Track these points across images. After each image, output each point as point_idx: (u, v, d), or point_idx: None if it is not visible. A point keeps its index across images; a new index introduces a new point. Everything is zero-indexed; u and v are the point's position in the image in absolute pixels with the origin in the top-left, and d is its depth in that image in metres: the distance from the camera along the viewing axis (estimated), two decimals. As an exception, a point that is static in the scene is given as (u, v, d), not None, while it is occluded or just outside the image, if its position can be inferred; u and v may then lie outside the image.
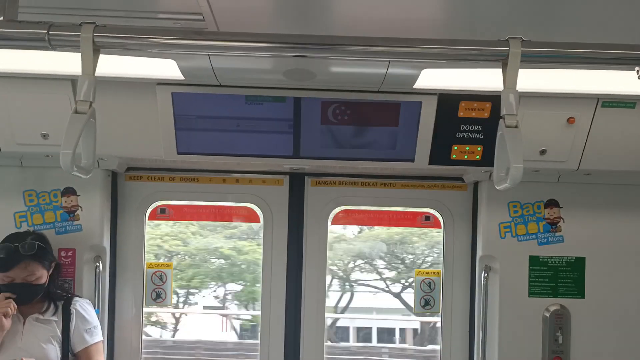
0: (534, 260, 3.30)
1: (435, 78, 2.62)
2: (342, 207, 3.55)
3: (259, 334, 3.49)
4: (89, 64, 1.42)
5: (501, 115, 1.54)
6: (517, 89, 1.56)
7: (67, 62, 2.46)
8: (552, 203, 3.31)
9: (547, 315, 3.27)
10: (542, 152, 2.94)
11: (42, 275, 2.86)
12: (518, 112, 1.53)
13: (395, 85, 2.73)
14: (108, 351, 3.33)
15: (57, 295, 2.98)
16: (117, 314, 3.40)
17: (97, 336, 2.99)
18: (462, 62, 1.88)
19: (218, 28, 1.98)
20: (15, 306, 2.79)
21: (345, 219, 3.68)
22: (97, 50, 1.42)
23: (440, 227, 3.53)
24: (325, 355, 3.49)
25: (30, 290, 2.84)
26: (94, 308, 3.12)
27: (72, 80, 2.73)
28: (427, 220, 3.59)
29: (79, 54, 1.46)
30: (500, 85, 1.59)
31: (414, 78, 2.60)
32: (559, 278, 3.30)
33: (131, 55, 2.30)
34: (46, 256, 2.90)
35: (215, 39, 1.50)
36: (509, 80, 1.52)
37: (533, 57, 1.53)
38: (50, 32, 1.42)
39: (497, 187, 1.63)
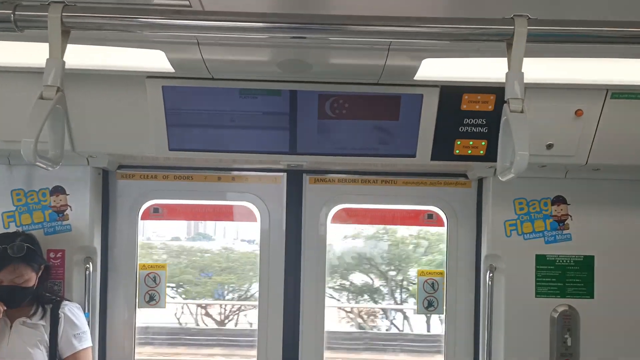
0: (540, 259, 3.19)
1: (437, 69, 2.52)
2: (341, 205, 3.45)
3: (257, 337, 3.38)
4: (57, 46, 1.31)
5: (505, 99, 1.43)
6: (523, 72, 1.44)
7: None
8: (559, 200, 3.20)
9: (555, 316, 3.17)
10: (549, 146, 2.83)
11: (31, 278, 2.79)
12: (524, 97, 1.42)
13: (395, 76, 2.63)
14: (99, 356, 3.24)
15: (45, 298, 2.90)
16: (109, 317, 3.29)
17: (86, 342, 2.90)
18: (465, 44, 1.77)
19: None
20: (3, 309, 2.71)
21: (345, 217, 3.57)
22: (66, 31, 1.31)
23: (444, 226, 3.42)
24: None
25: (19, 293, 2.76)
26: (84, 311, 3.03)
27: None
28: (430, 219, 3.49)
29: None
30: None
31: (415, 69, 2.50)
32: (567, 277, 3.20)
33: (111, 44, 2.18)
34: (35, 258, 2.82)
35: (200, 19, 1.38)
36: (514, 61, 1.41)
37: (540, 37, 1.41)
38: (16, 13, 1.32)
39: (500, 178, 1.53)
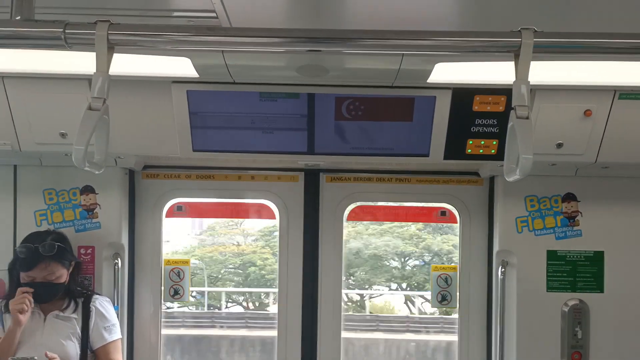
0: (551, 255, 3.27)
1: (449, 72, 2.60)
2: (357, 203, 3.55)
3: (276, 334, 3.50)
4: (104, 61, 1.44)
5: (512, 106, 1.54)
6: (529, 80, 1.55)
7: (84, 62, 2.48)
8: (569, 197, 3.28)
9: (566, 310, 3.24)
10: (559, 145, 2.90)
11: (62, 275, 2.92)
12: (530, 104, 1.53)
13: (408, 80, 2.72)
14: (128, 347, 3.37)
15: (77, 292, 3.02)
16: (137, 310, 3.43)
17: (116, 334, 3.03)
18: (474, 55, 1.86)
19: (231, 25, 1.99)
20: (31, 302, 2.82)
21: (360, 214, 3.68)
22: (111, 48, 1.44)
23: (456, 222, 3.51)
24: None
25: (51, 289, 2.89)
26: (114, 305, 3.16)
27: (89, 80, 2.74)
28: (443, 216, 3.58)
29: (95, 54, 1.48)
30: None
31: (428, 72, 2.59)
32: (577, 272, 3.27)
33: (146, 53, 2.32)
34: (66, 256, 2.94)
35: (228, 35, 1.51)
36: (521, 71, 1.51)
37: (545, 48, 1.52)
38: (66, 31, 1.44)
39: (507, 179, 1.64)
